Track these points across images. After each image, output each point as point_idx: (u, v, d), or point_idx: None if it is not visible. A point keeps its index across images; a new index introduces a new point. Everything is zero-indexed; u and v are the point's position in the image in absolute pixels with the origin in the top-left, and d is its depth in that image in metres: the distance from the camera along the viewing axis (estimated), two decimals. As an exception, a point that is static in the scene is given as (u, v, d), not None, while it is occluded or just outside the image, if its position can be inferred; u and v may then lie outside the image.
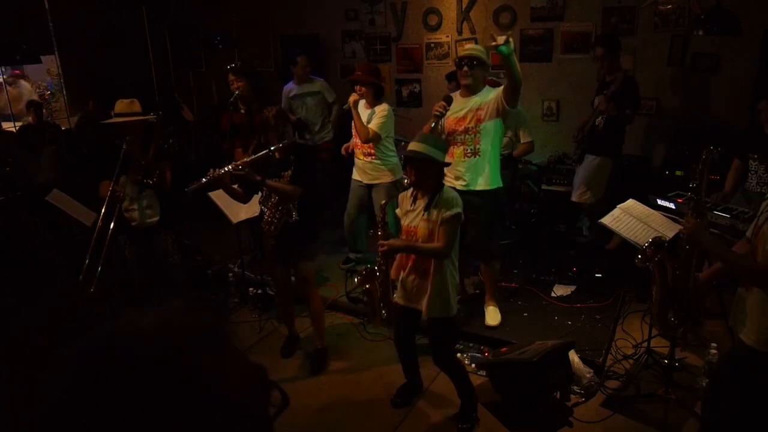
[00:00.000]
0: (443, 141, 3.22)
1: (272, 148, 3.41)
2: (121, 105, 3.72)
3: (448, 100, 3.70)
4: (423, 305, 3.03)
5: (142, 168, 3.70)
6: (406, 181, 3.18)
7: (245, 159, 3.39)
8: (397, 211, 3.13)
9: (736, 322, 2.35)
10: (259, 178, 3.36)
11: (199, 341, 0.61)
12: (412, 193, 3.04)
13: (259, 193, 3.64)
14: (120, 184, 3.65)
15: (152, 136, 3.82)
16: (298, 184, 3.46)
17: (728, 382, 2.40)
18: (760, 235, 2.22)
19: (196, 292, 4.77)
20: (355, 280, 3.24)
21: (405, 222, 3.05)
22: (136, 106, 3.73)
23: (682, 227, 2.41)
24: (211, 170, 3.31)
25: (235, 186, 3.55)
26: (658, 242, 2.78)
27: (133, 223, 3.81)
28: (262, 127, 3.50)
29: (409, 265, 3.07)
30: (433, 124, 3.65)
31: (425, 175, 2.90)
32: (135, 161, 3.69)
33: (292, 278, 3.91)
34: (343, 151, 4.87)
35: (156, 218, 3.87)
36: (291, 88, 5.87)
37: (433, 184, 2.94)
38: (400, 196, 3.17)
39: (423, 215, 2.95)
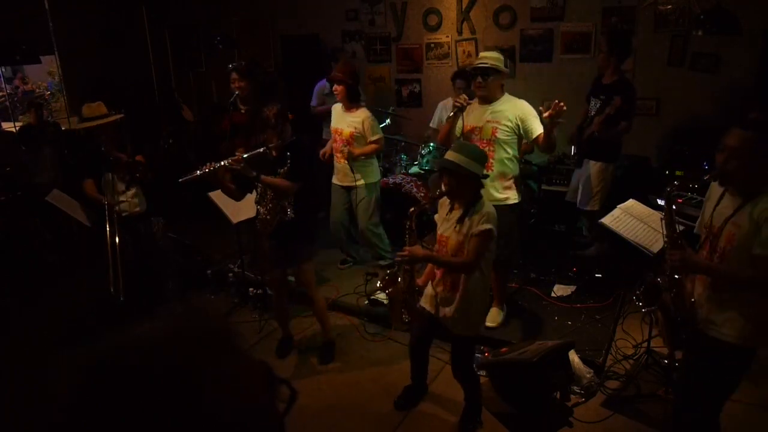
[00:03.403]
0: (483, 152, 3.06)
1: (269, 146, 3.40)
2: (88, 109, 3.93)
3: (471, 96, 3.66)
4: (453, 323, 2.97)
5: (125, 166, 3.91)
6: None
7: (241, 155, 3.38)
8: (436, 216, 3.04)
9: (705, 321, 2.45)
10: (254, 173, 3.35)
11: (209, 348, 0.61)
12: (451, 201, 2.97)
13: (255, 193, 3.63)
14: (106, 182, 3.89)
15: (124, 133, 3.99)
16: (294, 180, 3.45)
17: (705, 378, 2.51)
18: (727, 237, 2.32)
19: (185, 276, 4.91)
20: (378, 283, 3.16)
21: (440, 230, 2.97)
22: (102, 108, 3.96)
23: (668, 261, 2.51)
24: (208, 163, 3.31)
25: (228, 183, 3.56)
26: (650, 284, 2.78)
27: (123, 214, 4.00)
28: (261, 125, 3.48)
29: (440, 273, 3.00)
30: (451, 114, 3.63)
31: (461, 187, 2.82)
32: (116, 160, 3.89)
33: (290, 278, 3.91)
34: (321, 156, 4.82)
35: (142, 207, 4.16)
36: (326, 85, 5.80)
37: (470, 195, 2.85)
38: (440, 201, 3.06)
39: (455, 227, 2.87)
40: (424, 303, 3.11)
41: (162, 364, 0.57)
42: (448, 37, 6.23)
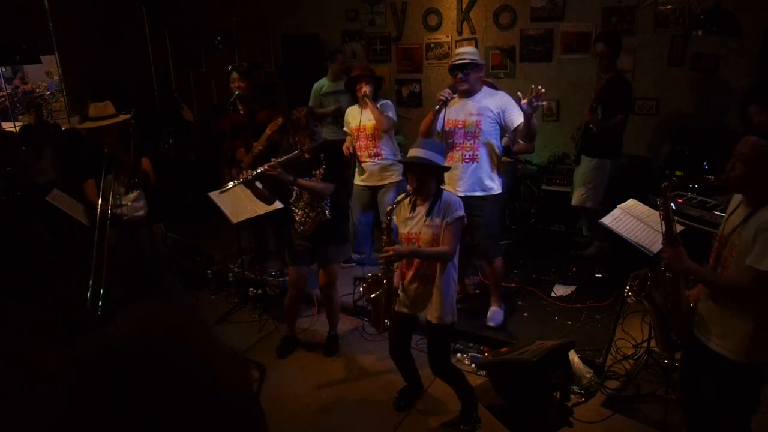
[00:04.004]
0: (442, 145, 3.21)
1: (303, 149, 3.43)
2: (94, 109, 3.81)
3: (454, 89, 3.69)
4: (430, 313, 3.00)
5: (127, 169, 3.81)
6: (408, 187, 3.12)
7: (277, 159, 3.39)
8: (394, 219, 3.06)
9: (705, 333, 2.41)
10: (291, 178, 3.39)
11: (185, 336, 0.64)
12: (411, 200, 3.02)
13: (293, 194, 3.63)
14: (107, 184, 3.77)
15: (129, 134, 3.88)
16: (330, 181, 3.49)
17: (720, 400, 2.43)
18: (730, 247, 2.31)
19: (185, 276, 4.89)
20: (360, 288, 3.20)
21: (404, 230, 3.02)
22: (110, 108, 3.83)
23: (661, 258, 2.51)
24: (243, 172, 3.37)
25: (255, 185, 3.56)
26: (642, 277, 2.80)
27: (124, 218, 3.92)
28: (293, 127, 3.51)
29: (411, 273, 3.04)
30: (437, 107, 3.64)
31: (427, 180, 2.89)
32: (119, 162, 3.78)
33: None
34: (346, 150, 4.67)
35: (143, 211, 4.02)
36: (323, 84, 5.80)
37: (435, 189, 2.95)
38: (397, 204, 3.09)
39: (425, 221, 2.93)
40: (399, 307, 3.12)
41: (144, 352, 0.59)
42: (448, 37, 6.23)
